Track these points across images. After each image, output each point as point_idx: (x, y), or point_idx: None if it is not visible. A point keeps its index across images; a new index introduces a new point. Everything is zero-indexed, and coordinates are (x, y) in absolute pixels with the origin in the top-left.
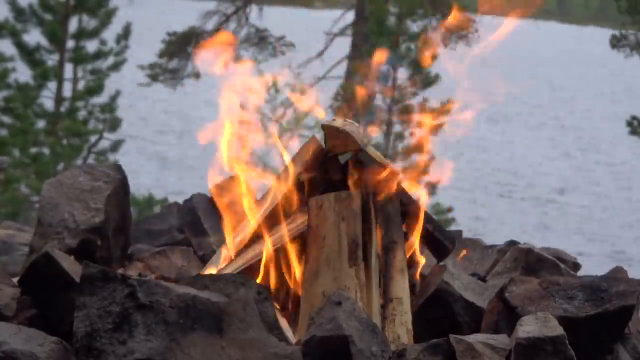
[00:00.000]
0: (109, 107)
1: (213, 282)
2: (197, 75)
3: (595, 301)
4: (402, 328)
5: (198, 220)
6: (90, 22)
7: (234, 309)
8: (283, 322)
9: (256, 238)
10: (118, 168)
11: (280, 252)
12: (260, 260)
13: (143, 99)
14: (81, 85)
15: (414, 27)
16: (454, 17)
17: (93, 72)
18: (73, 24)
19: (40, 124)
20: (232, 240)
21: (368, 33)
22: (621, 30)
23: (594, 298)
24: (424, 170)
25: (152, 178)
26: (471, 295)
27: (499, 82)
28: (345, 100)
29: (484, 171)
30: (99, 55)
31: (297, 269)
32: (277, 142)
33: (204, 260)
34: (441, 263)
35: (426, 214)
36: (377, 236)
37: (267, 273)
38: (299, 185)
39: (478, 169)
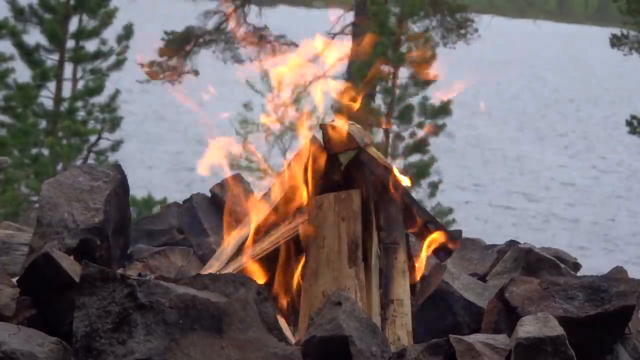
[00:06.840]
0: (109, 107)
1: (213, 282)
2: (196, 72)
3: (595, 301)
4: (402, 330)
5: (198, 220)
6: (90, 22)
7: (234, 309)
8: (283, 322)
9: (256, 238)
10: (118, 168)
11: (279, 253)
12: (260, 259)
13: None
14: (81, 85)
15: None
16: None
17: (93, 72)
18: (73, 24)
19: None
20: (231, 241)
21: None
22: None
23: (594, 298)
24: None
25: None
26: (471, 295)
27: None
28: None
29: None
30: (99, 55)
31: (297, 269)
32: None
33: (204, 260)
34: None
35: (428, 214)
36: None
37: (266, 273)
38: (299, 185)
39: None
